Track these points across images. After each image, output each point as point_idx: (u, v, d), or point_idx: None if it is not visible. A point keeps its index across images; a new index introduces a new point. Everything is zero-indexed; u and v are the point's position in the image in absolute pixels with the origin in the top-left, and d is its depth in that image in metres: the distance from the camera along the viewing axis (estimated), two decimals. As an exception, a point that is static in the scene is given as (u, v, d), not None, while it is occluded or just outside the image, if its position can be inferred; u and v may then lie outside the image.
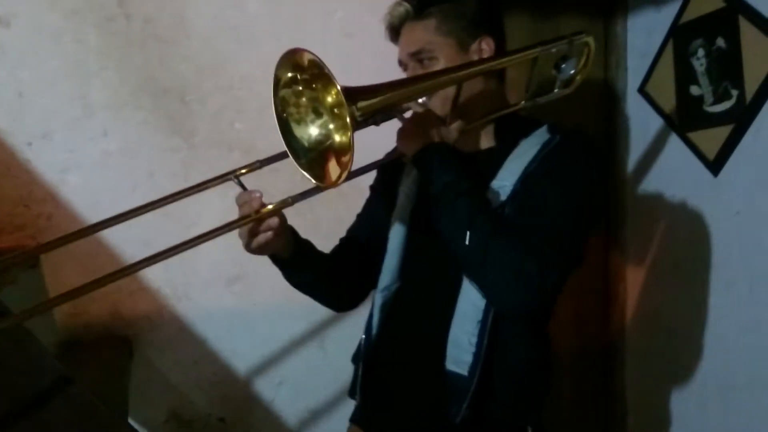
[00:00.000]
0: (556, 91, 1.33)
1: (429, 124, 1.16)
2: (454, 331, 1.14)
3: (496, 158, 1.20)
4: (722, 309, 1.83)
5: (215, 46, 1.82)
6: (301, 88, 1.04)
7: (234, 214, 1.09)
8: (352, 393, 1.35)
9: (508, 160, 1.18)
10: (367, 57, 1.78)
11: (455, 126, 1.18)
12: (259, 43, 1.83)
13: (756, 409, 1.71)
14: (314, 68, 1.00)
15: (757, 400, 1.71)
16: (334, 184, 1.02)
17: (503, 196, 1.14)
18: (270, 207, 1.08)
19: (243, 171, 1.16)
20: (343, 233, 1.44)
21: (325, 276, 1.29)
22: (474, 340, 1.11)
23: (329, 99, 1.03)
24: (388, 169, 1.38)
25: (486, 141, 1.27)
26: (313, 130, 1.07)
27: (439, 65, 1.20)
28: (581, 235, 1.14)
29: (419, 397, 1.22)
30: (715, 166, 1.82)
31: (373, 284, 1.32)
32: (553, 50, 1.25)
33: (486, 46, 1.23)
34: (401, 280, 1.28)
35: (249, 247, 1.12)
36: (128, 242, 1.75)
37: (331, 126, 1.04)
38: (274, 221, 1.09)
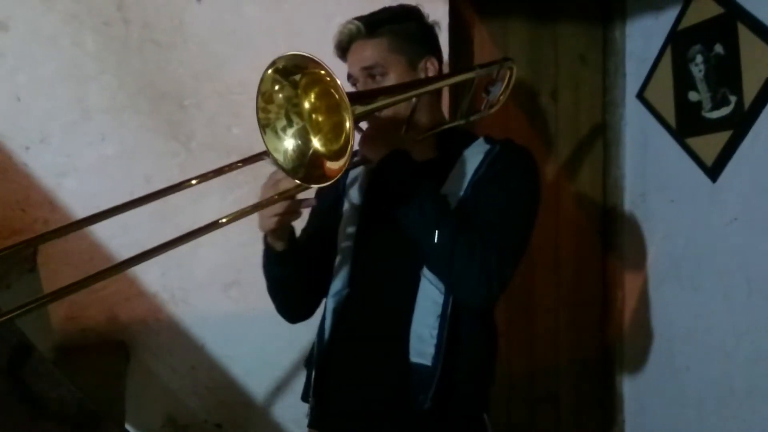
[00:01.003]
0: (483, 109, 1.45)
1: (392, 132, 1.27)
2: (416, 326, 1.23)
3: (440, 167, 1.30)
4: (720, 315, 1.83)
5: (213, 51, 1.82)
6: (278, 87, 1.05)
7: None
8: (305, 397, 1.40)
9: (455, 168, 1.28)
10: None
11: (410, 136, 1.29)
12: (257, 47, 1.83)
13: (754, 417, 1.71)
14: (310, 69, 1.01)
15: (755, 407, 1.71)
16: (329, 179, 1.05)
17: (456, 200, 1.24)
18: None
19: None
20: None
21: (302, 275, 1.33)
22: (435, 332, 1.21)
23: (307, 105, 1.06)
24: None
25: (428, 152, 1.35)
26: (289, 142, 1.08)
27: (390, 81, 1.29)
28: (528, 230, 1.26)
29: (380, 392, 1.27)
30: (714, 171, 1.82)
31: (325, 293, 1.38)
32: (486, 72, 1.38)
33: (431, 65, 1.34)
34: (352, 285, 1.34)
35: (277, 224, 1.17)
36: (126, 247, 1.74)
37: (313, 133, 1.07)
38: (313, 200, 1.20)
